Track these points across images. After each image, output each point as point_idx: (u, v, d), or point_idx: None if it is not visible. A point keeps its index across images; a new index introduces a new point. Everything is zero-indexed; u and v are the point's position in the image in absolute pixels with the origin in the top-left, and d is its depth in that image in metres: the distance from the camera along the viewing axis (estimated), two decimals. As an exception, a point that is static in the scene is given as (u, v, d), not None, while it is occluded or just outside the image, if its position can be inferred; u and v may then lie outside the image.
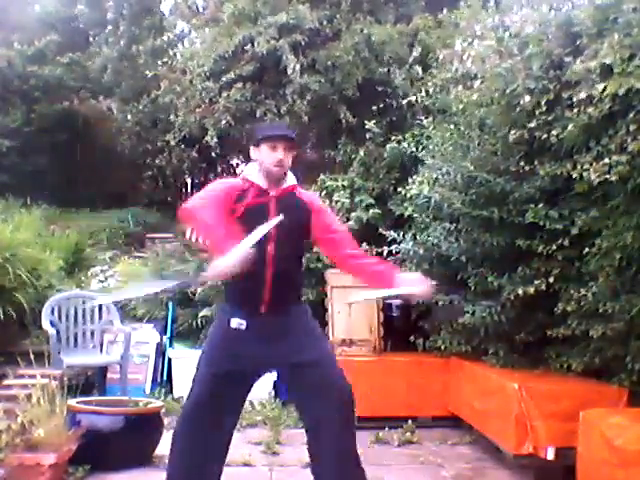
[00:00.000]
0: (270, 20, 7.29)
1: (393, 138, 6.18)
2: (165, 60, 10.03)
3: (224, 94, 7.56)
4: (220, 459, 2.84)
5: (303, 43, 7.25)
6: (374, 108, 6.82)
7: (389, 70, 7.04)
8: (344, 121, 7.16)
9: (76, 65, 12.91)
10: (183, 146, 10.76)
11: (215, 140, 7.88)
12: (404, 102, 5.57)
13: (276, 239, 2.74)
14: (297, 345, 2.77)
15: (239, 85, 7.48)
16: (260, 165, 2.83)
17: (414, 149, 5.49)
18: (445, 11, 5.94)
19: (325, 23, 7.55)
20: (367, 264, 2.85)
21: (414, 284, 2.72)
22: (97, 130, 13.02)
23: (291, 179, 2.89)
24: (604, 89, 3.20)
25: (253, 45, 7.23)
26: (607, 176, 3.32)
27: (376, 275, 2.80)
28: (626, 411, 3.52)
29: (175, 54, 9.39)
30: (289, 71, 7.03)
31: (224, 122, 7.62)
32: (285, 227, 2.72)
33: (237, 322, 2.79)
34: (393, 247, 4.93)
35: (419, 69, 6.58)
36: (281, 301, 2.80)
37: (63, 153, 12.40)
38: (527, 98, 3.78)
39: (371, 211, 5.90)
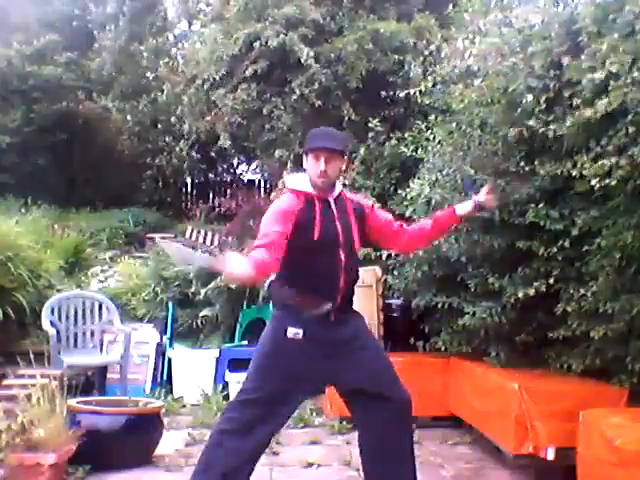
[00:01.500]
0: (276, 15, 7.29)
1: (392, 136, 6.17)
2: (167, 61, 10.04)
3: (230, 96, 7.57)
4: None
5: (310, 37, 7.25)
6: (379, 106, 6.79)
7: (404, 58, 7.01)
8: (346, 118, 7.15)
9: (76, 65, 12.90)
10: (182, 146, 10.78)
11: (229, 142, 7.90)
12: (402, 94, 5.52)
13: (345, 245, 2.79)
14: (360, 369, 2.81)
15: (244, 85, 7.49)
16: (308, 175, 2.83)
17: (414, 152, 5.46)
18: (448, 10, 5.92)
19: (328, 19, 7.56)
20: (421, 224, 3.11)
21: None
22: (97, 130, 13.01)
23: (337, 185, 2.90)
24: (603, 98, 3.19)
25: (260, 41, 7.21)
26: (607, 180, 3.32)
27: (437, 221, 3.02)
28: (626, 411, 3.51)
29: (176, 55, 9.39)
30: (303, 59, 7.01)
31: (234, 123, 7.62)
32: (348, 233, 2.79)
33: (293, 332, 2.74)
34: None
35: (430, 59, 6.53)
36: (347, 308, 2.86)
37: (63, 153, 12.38)
38: (529, 97, 3.76)
39: None
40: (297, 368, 2.74)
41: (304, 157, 2.86)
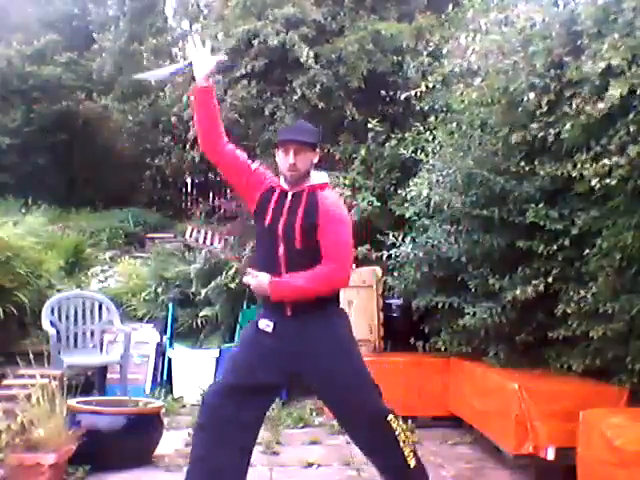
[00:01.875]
0: (276, 13, 7.28)
1: (393, 136, 6.16)
2: (167, 62, 10.02)
3: (230, 92, 7.55)
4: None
5: (310, 36, 7.25)
6: (379, 106, 6.77)
7: (402, 58, 7.00)
8: (350, 118, 7.14)
9: (76, 65, 12.90)
10: (182, 146, 10.76)
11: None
12: (402, 97, 5.50)
13: (284, 237, 2.77)
14: (325, 368, 2.77)
15: (244, 82, 7.48)
16: (279, 168, 2.87)
17: (413, 154, 5.46)
18: (449, 9, 5.89)
19: (329, 19, 7.55)
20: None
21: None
22: (97, 130, 12.99)
23: (318, 178, 2.89)
24: (609, 90, 3.18)
25: (259, 39, 7.20)
26: (607, 180, 3.32)
27: None
28: (626, 411, 3.52)
29: (177, 54, 9.36)
30: (302, 59, 7.00)
31: (232, 120, 7.58)
32: (290, 228, 2.77)
33: (265, 323, 2.82)
34: (393, 251, 4.92)
35: (429, 59, 6.50)
36: (311, 306, 2.76)
37: (63, 153, 12.37)
38: (532, 95, 3.75)
39: (370, 208, 5.92)
40: (264, 358, 2.79)
41: (276, 151, 2.90)
